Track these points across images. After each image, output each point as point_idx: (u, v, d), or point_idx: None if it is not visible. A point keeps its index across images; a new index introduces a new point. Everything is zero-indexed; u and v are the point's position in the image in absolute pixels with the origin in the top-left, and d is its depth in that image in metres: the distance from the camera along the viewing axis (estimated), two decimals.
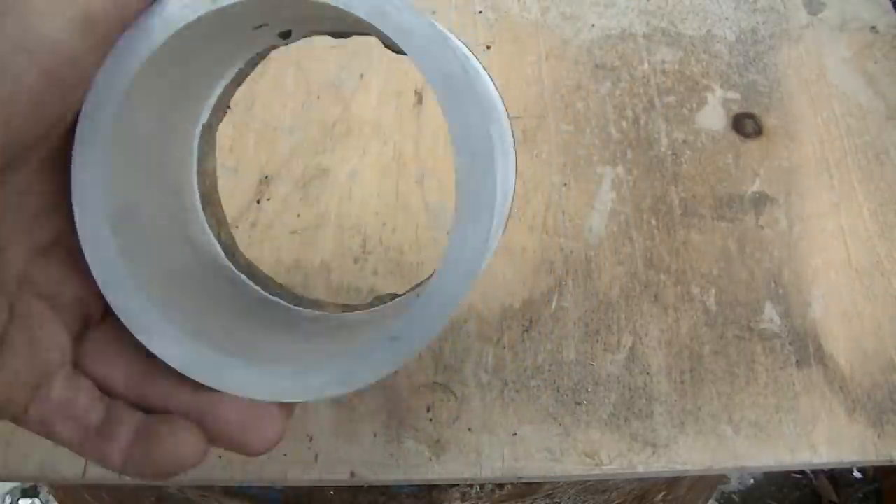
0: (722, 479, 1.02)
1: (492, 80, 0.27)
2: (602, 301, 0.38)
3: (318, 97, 0.43)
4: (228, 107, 0.31)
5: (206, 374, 0.21)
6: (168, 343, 0.21)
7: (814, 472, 1.13)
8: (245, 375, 0.21)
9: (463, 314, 0.37)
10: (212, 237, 0.29)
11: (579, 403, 0.35)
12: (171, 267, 0.25)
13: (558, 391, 0.35)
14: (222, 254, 0.29)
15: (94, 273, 0.21)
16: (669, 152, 0.43)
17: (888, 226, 0.41)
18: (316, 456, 0.33)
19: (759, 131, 0.44)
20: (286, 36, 0.29)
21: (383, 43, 0.25)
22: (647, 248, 0.39)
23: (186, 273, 0.26)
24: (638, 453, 0.34)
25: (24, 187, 0.19)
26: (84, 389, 0.20)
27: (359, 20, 0.22)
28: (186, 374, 0.21)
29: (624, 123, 0.44)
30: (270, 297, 0.29)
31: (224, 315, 0.26)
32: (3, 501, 1.04)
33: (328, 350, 0.23)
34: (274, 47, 0.29)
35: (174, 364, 0.21)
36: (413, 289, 0.28)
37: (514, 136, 0.25)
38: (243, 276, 0.29)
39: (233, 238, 0.29)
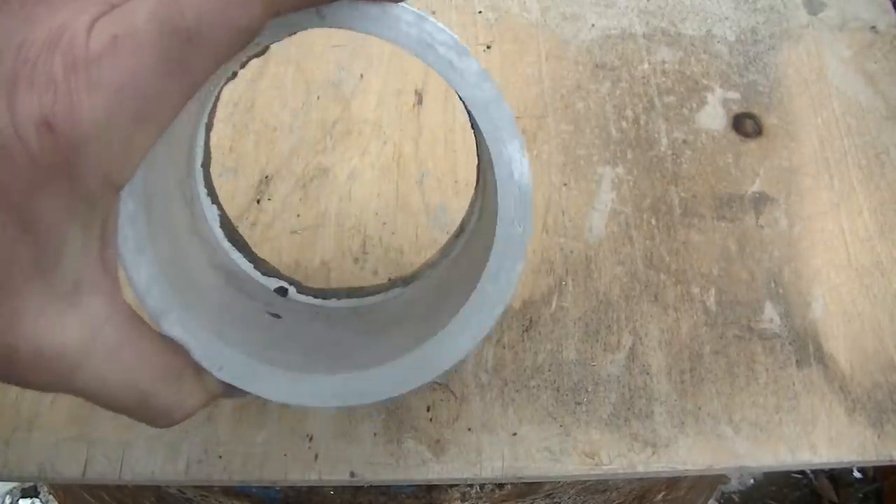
0: (722, 479, 1.02)
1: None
2: (602, 301, 0.38)
3: (318, 97, 0.43)
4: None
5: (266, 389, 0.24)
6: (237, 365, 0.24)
7: (814, 472, 1.13)
8: (290, 385, 0.24)
9: None
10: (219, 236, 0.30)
11: (579, 403, 0.35)
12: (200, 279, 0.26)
13: (558, 391, 0.35)
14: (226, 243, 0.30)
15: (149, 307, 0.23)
16: (669, 152, 0.43)
17: (888, 226, 0.41)
18: (316, 456, 0.33)
19: (759, 131, 0.44)
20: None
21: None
22: (647, 248, 0.39)
23: (210, 281, 0.27)
24: (638, 453, 0.34)
25: None
26: None
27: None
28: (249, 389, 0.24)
29: (624, 123, 0.44)
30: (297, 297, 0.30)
31: (251, 319, 0.27)
32: (3, 501, 1.04)
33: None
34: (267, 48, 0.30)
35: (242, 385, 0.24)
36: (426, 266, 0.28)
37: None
38: (258, 273, 0.30)
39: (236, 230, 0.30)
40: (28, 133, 0.16)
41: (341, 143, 0.42)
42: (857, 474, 1.14)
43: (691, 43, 0.47)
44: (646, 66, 0.46)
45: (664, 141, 0.43)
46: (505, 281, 0.24)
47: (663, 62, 0.46)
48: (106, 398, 0.21)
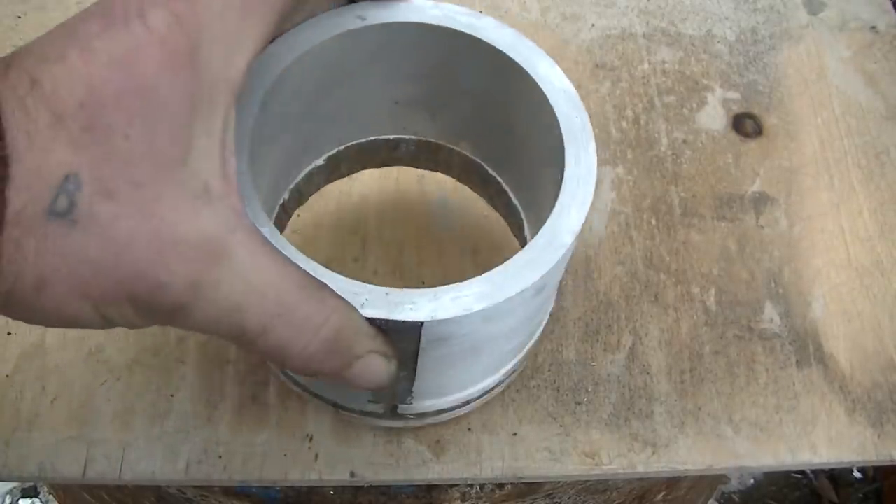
0: (722, 479, 1.02)
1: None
2: (602, 301, 0.38)
3: None
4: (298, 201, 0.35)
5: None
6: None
7: (814, 472, 1.13)
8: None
9: None
10: None
11: (579, 403, 0.35)
12: None
13: (558, 391, 0.35)
14: None
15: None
16: (669, 152, 0.43)
17: (888, 226, 0.41)
18: (316, 456, 0.33)
19: (759, 131, 0.44)
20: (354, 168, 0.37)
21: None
22: (647, 248, 0.39)
23: None
24: (638, 453, 0.34)
25: None
26: None
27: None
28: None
29: (624, 123, 0.44)
30: None
31: None
32: (3, 501, 1.04)
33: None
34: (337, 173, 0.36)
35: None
36: None
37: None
38: None
39: None
40: (157, 23, 0.19)
41: None
42: (857, 474, 1.14)
43: (691, 43, 0.47)
44: (646, 66, 0.46)
45: (664, 141, 0.43)
46: (585, 161, 0.26)
47: (663, 62, 0.46)
48: (248, 304, 0.20)
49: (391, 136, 0.36)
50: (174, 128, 0.19)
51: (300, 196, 0.35)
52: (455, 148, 0.36)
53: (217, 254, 0.19)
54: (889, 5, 0.50)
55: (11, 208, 0.17)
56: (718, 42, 0.48)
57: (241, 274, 0.20)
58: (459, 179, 0.38)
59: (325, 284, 0.22)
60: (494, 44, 0.28)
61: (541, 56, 0.29)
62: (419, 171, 0.37)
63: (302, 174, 0.34)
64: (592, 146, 0.27)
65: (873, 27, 0.49)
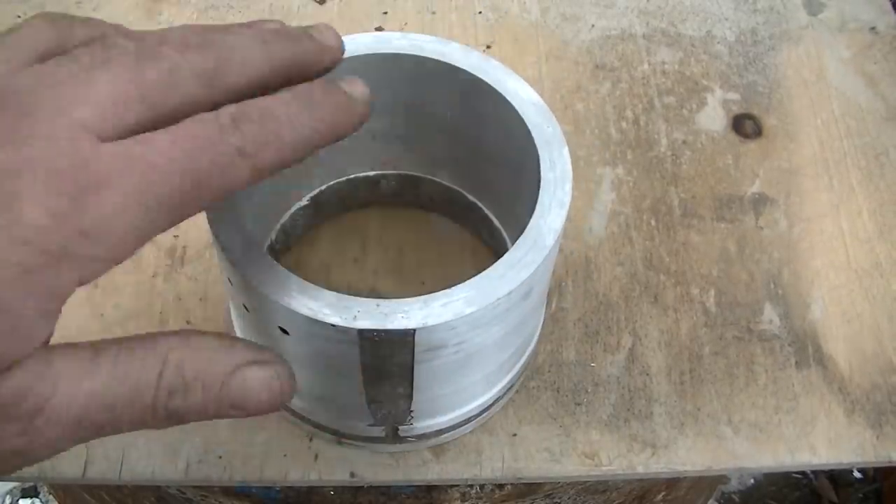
0: (722, 479, 1.02)
1: None
2: (602, 302, 0.38)
3: None
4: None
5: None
6: None
7: (814, 472, 1.13)
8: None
9: None
10: None
11: (579, 404, 0.35)
12: None
13: (558, 392, 0.35)
14: None
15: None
16: (669, 153, 0.43)
17: (887, 227, 0.41)
18: (316, 456, 0.33)
19: (758, 132, 0.44)
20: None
21: None
22: (647, 249, 0.39)
23: None
24: (637, 454, 0.34)
25: None
26: None
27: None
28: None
29: (624, 124, 0.44)
30: None
31: None
32: (3, 501, 1.04)
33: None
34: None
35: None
36: None
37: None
38: None
39: None
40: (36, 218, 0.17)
41: None
42: (856, 474, 1.14)
43: (691, 43, 0.47)
44: (646, 66, 0.46)
45: (664, 142, 0.43)
46: (560, 165, 0.27)
47: (663, 63, 0.46)
48: (88, 415, 0.19)
49: (371, 173, 0.37)
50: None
51: (286, 238, 0.36)
52: (435, 178, 0.37)
53: (35, 407, 0.19)
54: (889, 6, 0.50)
55: None
56: (718, 43, 0.48)
57: (69, 400, 0.19)
58: (442, 213, 0.39)
59: (149, 335, 0.20)
60: (462, 66, 0.29)
61: (508, 74, 0.30)
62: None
63: (287, 215, 0.35)
64: (566, 151, 0.28)
65: (873, 28, 0.49)
